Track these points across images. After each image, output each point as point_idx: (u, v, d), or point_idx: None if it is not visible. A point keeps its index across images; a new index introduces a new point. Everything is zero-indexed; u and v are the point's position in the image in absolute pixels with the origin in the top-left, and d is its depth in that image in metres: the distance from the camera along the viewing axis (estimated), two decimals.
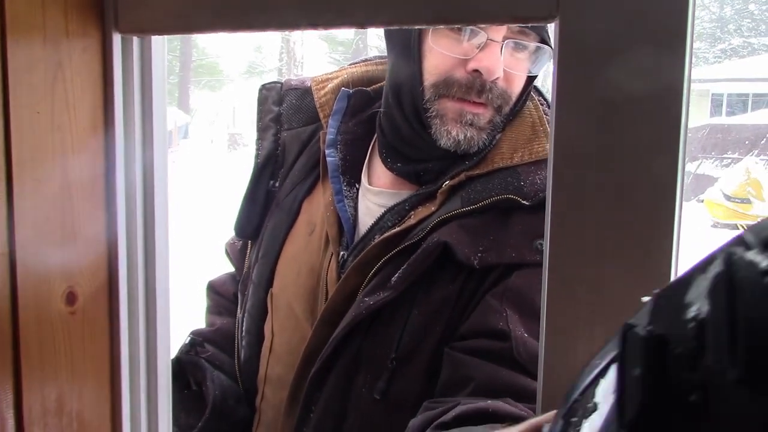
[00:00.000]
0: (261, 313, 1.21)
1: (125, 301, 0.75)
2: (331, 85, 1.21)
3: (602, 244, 0.54)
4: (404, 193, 1.11)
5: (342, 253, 1.11)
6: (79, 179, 0.71)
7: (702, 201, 13.48)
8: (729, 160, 15.65)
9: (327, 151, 1.17)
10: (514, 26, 1.00)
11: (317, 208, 1.17)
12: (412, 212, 1.07)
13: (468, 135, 1.04)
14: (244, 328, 1.23)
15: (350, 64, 1.28)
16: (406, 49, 1.08)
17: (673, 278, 0.54)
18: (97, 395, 0.75)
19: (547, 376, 0.57)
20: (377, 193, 1.14)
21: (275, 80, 1.29)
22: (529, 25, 0.98)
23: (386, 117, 1.13)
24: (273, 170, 1.23)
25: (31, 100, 0.66)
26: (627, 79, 0.53)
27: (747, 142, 15.80)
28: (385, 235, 1.06)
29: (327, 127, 1.18)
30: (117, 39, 0.72)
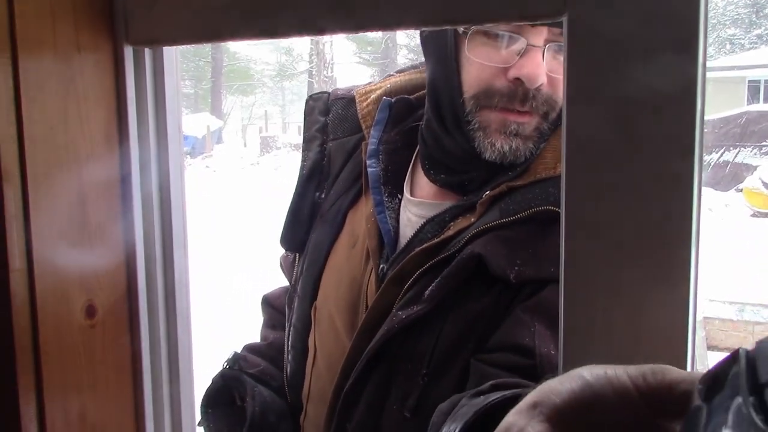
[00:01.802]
0: (305, 326, 1.19)
1: (145, 312, 0.76)
2: (373, 96, 1.19)
3: (618, 244, 0.53)
4: (446, 204, 1.08)
5: (382, 265, 1.10)
6: (95, 193, 0.71)
7: (741, 190, 13.23)
8: None
9: (368, 162, 1.15)
10: (556, 28, 0.96)
11: (360, 219, 1.15)
12: (452, 223, 1.04)
13: (513, 146, 1.00)
14: (290, 342, 1.22)
15: (397, 72, 1.26)
16: (443, 60, 1.05)
17: (692, 278, 0.53)
18: (119, 407, 0.75)
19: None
20: (418, 204, 1.11)
21: (323, 91, 1.27)
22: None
23: (428, 128, 1.10)
24: (319, 181, 1.22)
25: (44, 116, 0.67)
26: (639, 73, 0.51)
27: None
28: (423, 246, 1.03)
29: (369, 137, 1.16)
30: (128, 51, 0.73)
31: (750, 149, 15.71)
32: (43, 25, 0.66)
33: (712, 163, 15.79)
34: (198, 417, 0.83)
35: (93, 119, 0.71)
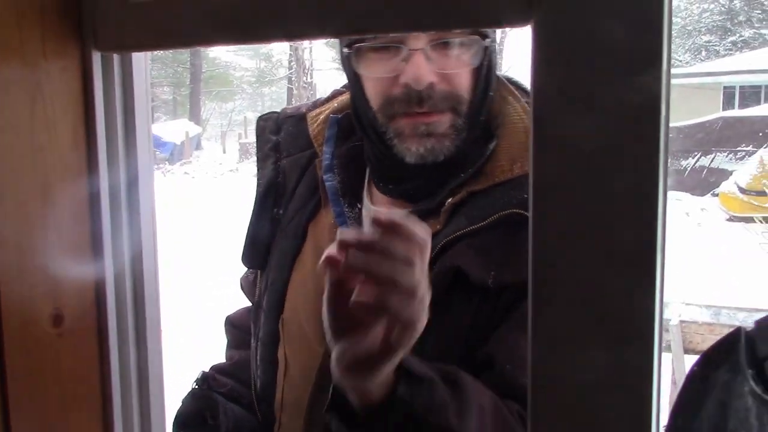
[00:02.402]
0: (274, 340, 1.21)
1: (114, 319, 0.75)
2: (322, 116, 1.22)
3: (585, 246, 0.53)
4: (406, 211, 1.08)
5: None
6: (62, 199, 0.71)
7: (717, 195, 13.39)
8: (743, 153, 15.53)
9: (325, 176, 1.17)
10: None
11: (323, 231, 1.18)
12: None
13: (428, 146, 1.03)
14: (258, 357, 1.24)
15: (343, 86, 1.28)
16: (350, 78, 1.10)
17: (658, 280, 0.53)
18: (88, 417, 0.74)
19: (535, 385, 0.55)
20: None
21: (272, 111, 1.30)
22: None
23: (365, 144, 1.15)
24: (275, 198, 1.24)
25: (9, 122, 0.66)
26: (605, 78, 0.51)
27: (761, 134, 15.67)
28: None
29: (322, 153, 1.19)
30: (96, 57, 0.72)
31: (725, 154, 15.91)
32: (8, 31, 0.66)
33: (689, 168, 15.96)
34: (168, 428, 0.82)
35: (60, 126, 0.70)
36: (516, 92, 1.14)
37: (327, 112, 1.22)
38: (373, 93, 1.07)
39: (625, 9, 0.51)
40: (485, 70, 1.05)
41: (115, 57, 0.73)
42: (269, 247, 1.24)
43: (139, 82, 0.75)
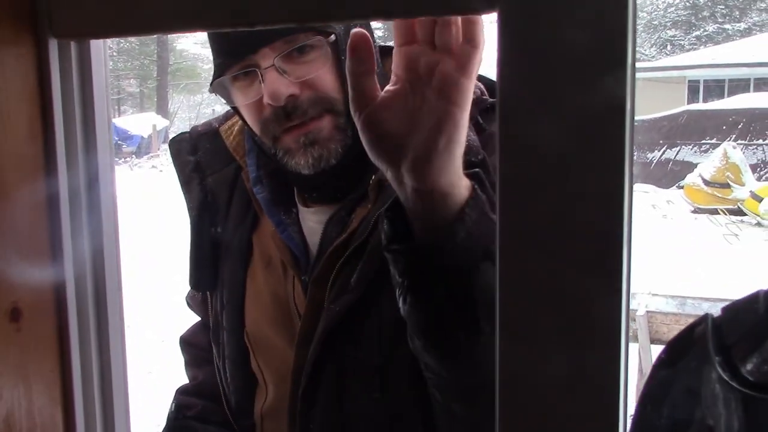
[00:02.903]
0: (242, 355, 1.21)
1: (74, 314, 0.73)
2: (237, 128, 1.22)
3: (552, 238, 0.53)
4: (338, 204, 1.11)
5: (303, 277, 1.12)
6: (19, 192, 0.69)
7: (682, 187, 13.60)
8: (707, 146, 15.79)
9: (254, 189, 1.17)
10: (280, 41, 0.99)
11: (267, 240, 1.18)
12: (353, 216, 1.08)
13: (315, 155, 1.03)
14: (228, 375, 1.23)
15: None
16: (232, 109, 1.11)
17: (624, 271, 0.53)
18: (50, 412, 0.72)
19: (503, 381, 0.55)
20: (314, 212, 1.14)
21: (181, 131, 1.29)
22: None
23: None
24: (210, 218, 1.23)
25: None
26: (571, 69, 0.51)
27: (725, 127, 15.93)
28: (334, 244, 1.06)
29: (247, 166, 1.19)
30: (53, 45, 0.70)
31: (690, 147, 16.15)
32: None
33: (654, 161, 16.17)
34: (132, 427, 0.80)
35: (15, 116, 0.68)
36: None
37: (240, 123, 1.20)
38: (249, 120, 1.08)
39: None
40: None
41: (73, 45, 0.71)
42: (216, 268, 1.23)
43: (98, 71, 0.73)
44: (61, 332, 0.73)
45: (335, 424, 1.04)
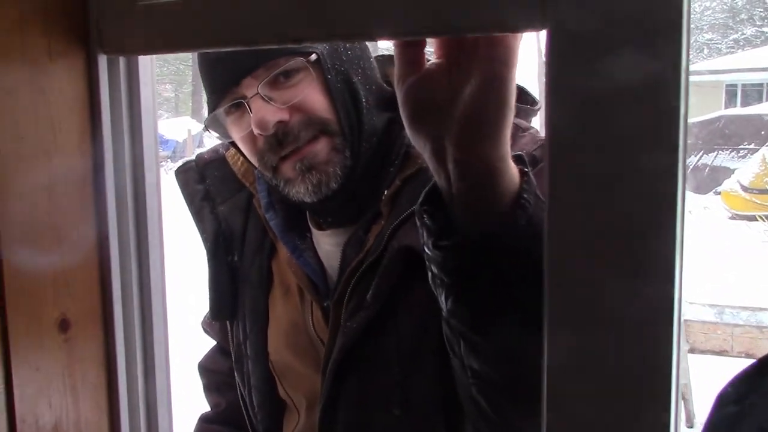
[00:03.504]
0: (268, 384, 1.19)
1: (120, 324, 0.74)
2: None
3: (603, 241, 0.52)
4: (354, 225, 1.08)
5: (326, 303, 1.09)
6: (68, 204, 0.70)
7: (719, 193, 13.38)
8: (745, 151, 15.52)
9: (267, 216, 1.14)
10: (261, 69, 0.96)
11: (285, 267, 1.15)
12: (368, 235, 1.04)
13: (315, 179, 0.99)
14: (255, 404, 1.21)
15: None
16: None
17: (677, 275, 0.52)
18: (96, 422, 0.73)
19: (551, 375, 0.54)
20: (330, 235, 1.11)
21: (186, 160, 1.26)
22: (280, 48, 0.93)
23: None
24: (226, 247, 1.20)
25: (14, 126, 0.65)
26: (622, 78, 0.50)
27: (763, 132, 15.64)
28: (352, 265, 1.03)
29: (258, 192, 1.16)
30: (102, 60, 0.71)
31: (728, 152, 15.89)
32: (12, 34, 0.65)
33: (691, 166, 15.94)
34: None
35: (65, 129, 0.69)
36: None
37: None
38: (246, 152, 1.05)
39: (642, 10, 0.50)
40: (338, 80, 1.00)
41: (121, 60, 0.72)
42: (235, 297, 1.21)
43: (146, 85, 0.74)
44: (107, 343, 0.74)
45: None
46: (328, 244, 1.11)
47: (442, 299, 0.78)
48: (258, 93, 0.96)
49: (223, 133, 1.05)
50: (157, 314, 0.76)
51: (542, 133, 1.00)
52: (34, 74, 0.66)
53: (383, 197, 1.02)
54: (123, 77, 0.73)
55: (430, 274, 0.79)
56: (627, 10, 0.50)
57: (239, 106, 0.99)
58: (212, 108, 1.02)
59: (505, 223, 0.71)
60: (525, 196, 0.72)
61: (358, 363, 1.02)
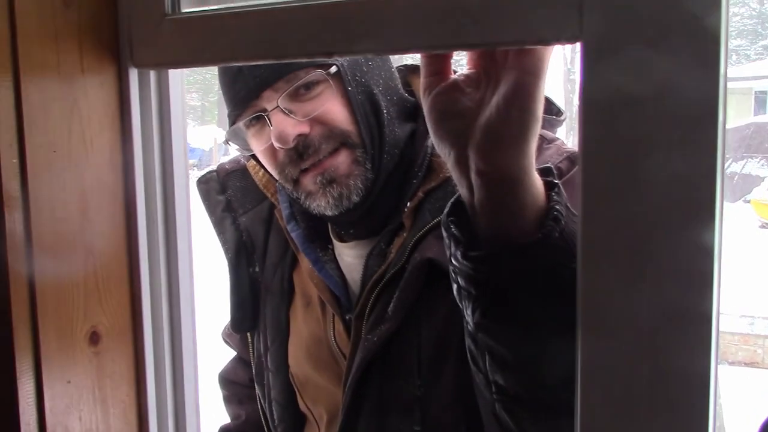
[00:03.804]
0: (289, 397, 1.18)
1: (150, 339, 0.74)
2: None
3: (637, 246, 0.51)
4: (377, 237, 1.07)
5: (348, 316, 1.09)
6: (99, 217, 0.70)
7: (749, 201, 13.19)
8: None
9: (288, 227, 1.13)
10: (281, 82, 0.96)
11: (306, 279, 1.14)
12: (390, 247, 1.03)
13: (336, 193, 0.98)
14: (275, 417, 1.21)
15: None
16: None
17: (715, 281, 0.51)
18: None
19: (584, 380, 0.54)
20: (352, 247, 1.10)
21: (208, 170, 1.26)
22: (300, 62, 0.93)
23: None
24: (247, 258, 1.19)
25: (47, 139, 0.65)
26: (658, 91, 0.50)
27: None
28: (374, 278, 1.02)
29: (279, 203, 1.14)
30: (133, 74, 0.71)
31: (758, 160, 15.67)
32: (47, 47, 0.65)
33: None
34: None
35: (97, 143, 0.70)
36: None
37: None
38: (267, 166, 1.04)
39: (679, 21, 0.49)
40: (358, 91, 0.99)
41: (152, 73, 0.73)
42: (256, 308, 1.20)
43: (176, 98, 0.75)
44: (136, 356, 0.74)
45: None
46: (349, 256, 1.10)
47: (468, 312, 0.76)
48: (278, 106, 0.95)
49: (244, 146, 1.04)
50: (186, 326, 0.76)
51: (568, 144, 0.99)
52: (67, 88, 0.67)
53: (405, 209, 1.01)
54: (153, 90, 0.73)
55: (455, 286, 0.77)
56: (663, 20, 0.49)
57: (260, 119, 0.98)
58: (233, 121, 1.01)
59: (535, 235, 0.69)
60: (557, 207, 0.70)
61: (379, 376, 1.01)
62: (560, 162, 0.94)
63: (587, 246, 0.52)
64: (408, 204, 1.00)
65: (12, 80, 0.63)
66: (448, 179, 0.98)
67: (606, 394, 0.53)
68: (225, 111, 1.05)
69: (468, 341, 0.81)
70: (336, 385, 1.09)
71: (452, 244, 0.74)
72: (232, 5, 0.66)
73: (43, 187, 0.65)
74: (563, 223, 0.69)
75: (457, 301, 0.78)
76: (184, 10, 0.68)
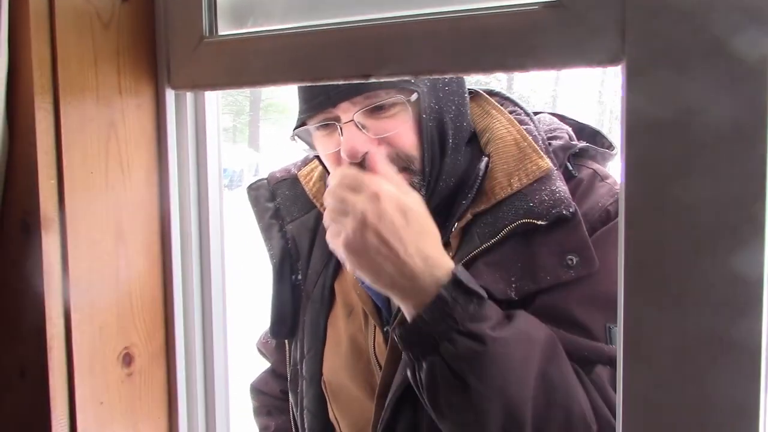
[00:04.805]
0: (320, 405, 1.19)
1: (182, 361, 0.74)
2: (316, 174, 1.20)
3: (682, 271, 0.50)
4: None
5: (386, 328, 1.09)
6: (134, 238, 0.70)
7: None
8: None
9: None
10: (360, 97, 0.96)
11: (348, 289, 1.14)
12: None
13: None
14: (306, 427, 1.21)
15: None
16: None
17: (765, 307, 0.49)
18: None
19: (625, 385, 0.52)
20: None
21: (259, 178, 1.28)
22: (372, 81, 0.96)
23: None
24: (291, 264, 1.20)
25: (84, 161, 0.66)
26: (701, 111, 0.48)
27: None
28: None
29: None
30: (170, 95, 0.72)
31: None
32: (86, 70, 0.66)
33: None
34: None
35: (134, 162, 0.70)
36: (499, 105, 1.10)
37: (320, 169, 1.17)
38: (330, 168, 1.04)
39: (721, 39, 0.48)
40: (431, 119, 1.00)
41: (188, 95, 0.73)
42: (296, 315, 1.22)
43: (212, 119, 0.75)
44: (169, 378, 0.73)
45: None
46: None
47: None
48: (353, 120, 0.97)
49: (309, 144, 1.06)
50: (218, 349, 0.75)
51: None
52: (105, 110, 0.67)
53: (453, 229, 1.02)
54: (190, 112, 0.73)
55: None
56: (706, 40, 0.48)
57: (330, 126, 1.00)
58: (302, 120, 1.03)
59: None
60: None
61: (416, 401, 1.00)
62: (610, 204, 0.94)
63: (630, 272, 0.51)
64: (456, 224, 1.01)
65: (52, 103, 0.64)
66: (499, 204, 0.99)
67: (648, 424, 0.52)
68: (256, 133, 1.07)
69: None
70: (368, 396, 1.08)
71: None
72: (267, 28, 0.66)
73: (80, 208, 0.66)
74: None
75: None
76: (221, 33, 0.68)
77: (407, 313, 0.83)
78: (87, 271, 0.67)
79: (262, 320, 1.24)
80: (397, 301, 0.84)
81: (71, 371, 0.65)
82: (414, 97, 0.99)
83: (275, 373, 1.38)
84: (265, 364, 1.42)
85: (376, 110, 0.99)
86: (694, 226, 0.50)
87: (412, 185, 0.99)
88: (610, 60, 0.50)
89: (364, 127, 0.98)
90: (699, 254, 0.49)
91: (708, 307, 0.50)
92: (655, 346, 0.51)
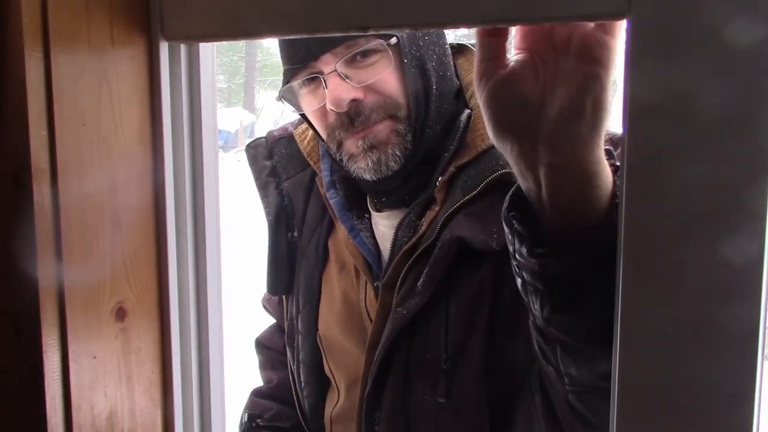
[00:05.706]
0: (316, 359, 1.22)
1: (176, 315, 0.74)
2: (310, 133, 1.21)
3: (680, 255, 0.49)
4: (408, 208, 1.10)
5: (376, 283, 1.11)
6: (127, 192, 0.69)
7: None
8: None
9: (327, 194, 1.17)
10: (341, 47, 0.98)
11: (341, 245, 1.18)
12: (422, 219, 1.06)
13: (374, 158, 1.02)
14: (302, 379, 1.25)
15: None
16: (301, 115, 1.11)
17: (763, 293, 0.49)
18: (150, 413, 0.73)
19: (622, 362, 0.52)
20: (386, 217, 1.13)
21: (257, 137, 1.30)
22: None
23: None
24: (287, 222, 1.24)
25: (76, 112, 0.65)
26: (707, 72, 0.47)
27: None
28: (403, 249, 1.05)
29: (321, 171, 1.19)
30: (164, 47, 0.70)
31: None
32: (77, 19, 0.64)
33: None
34: (228, 420, 0.81)
35: (126, 116, 0.69)
36: None
37: None
38: (317, 125, 1.08)
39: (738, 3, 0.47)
40: (413, 65, 1.01)
41: (182, 47, 0.72)
42: (291, 272, 1.24)
43: (206, 72, 0.74)
44: (162, 333, 0.73)
45: (400, 427, 1.05)
46: (383, 226, 1.13)
47: (536, 307, 0.74)
48: (335, 70, 0.98)
49: (296, 105, 1.07)
50: (212, 303, 0.75)
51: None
52: (97, 61, 0.66)
53: (437, 183, 1.03)
54: (184, 64, 0.72)
55: (519, 281, 0.75)
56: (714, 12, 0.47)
57: (314, 80, 1.01)
58: (287, 79, 1.05)
59: (603, 226, 0.67)
60: (618, 193, 0.68)
61: (406, 348, 1.03)
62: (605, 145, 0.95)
63: (628, 255, 0.51)
64: (440, 178, 1.02)
65: (42, 51, 0.62)
66: (481, 156, 1.00)
67: (643, 405, 0.52)
68: (251, 94, 1.08)
69: (535, 335, 0.79)
70: (360, 349, 1.12)
71: (515, 240, 0.72)
72: None
73: (72, 160, 0.65)
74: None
75: (522, 296, 0.76)
76: None
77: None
78: (79, 225, 0.66)
79: (258, 279, 1.27)
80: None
81: (64, 326, 0.65)
82: (393, 40, 1.00)
83: (279, 329, 1.43)
84: (267, 321, 1.45)
85: (359, 59, 1.00)
86: (695, 208, 0.49)
87: (397, 131, 1.01)
88: (615, 14, 0.49)
89: (347, 76, 1.00)
90: (698, 240, 0.49)
91: (705, 293, 0.49)
92: (652, 328, 0.51)
